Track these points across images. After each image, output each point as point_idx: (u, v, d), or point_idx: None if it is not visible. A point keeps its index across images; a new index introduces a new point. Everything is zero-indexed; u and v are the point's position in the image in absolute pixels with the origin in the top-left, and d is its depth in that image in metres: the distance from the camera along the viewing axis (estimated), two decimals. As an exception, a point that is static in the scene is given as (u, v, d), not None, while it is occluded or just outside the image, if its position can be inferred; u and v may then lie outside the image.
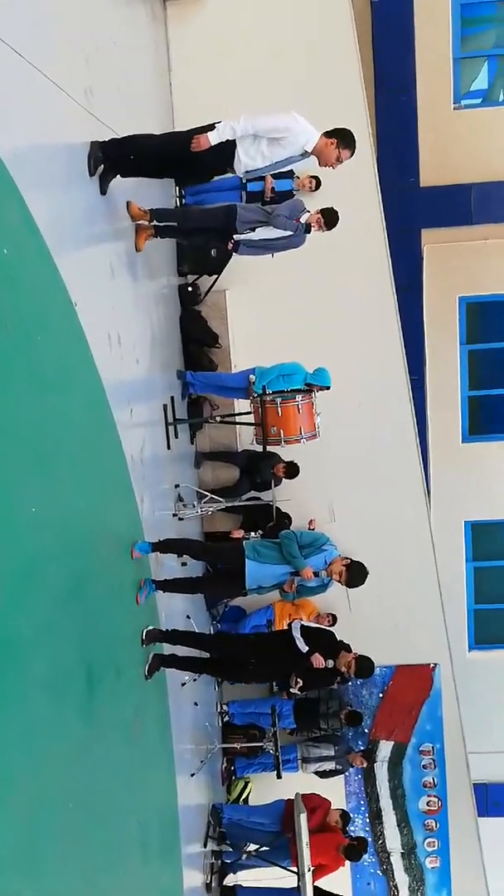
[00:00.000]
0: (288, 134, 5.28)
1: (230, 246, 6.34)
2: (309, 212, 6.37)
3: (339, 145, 5.34)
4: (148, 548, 5.60)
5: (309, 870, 6.83)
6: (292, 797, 7.41)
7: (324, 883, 7.28)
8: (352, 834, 7.70)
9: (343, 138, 5.35)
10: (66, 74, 4.73)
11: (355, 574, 5.61)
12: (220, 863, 7.62)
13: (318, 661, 5.76)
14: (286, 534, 5.79)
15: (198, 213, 7.01)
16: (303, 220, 6.31)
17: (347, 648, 6.02)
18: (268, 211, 6.33)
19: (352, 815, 7.85)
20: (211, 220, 6.38)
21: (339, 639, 6.18)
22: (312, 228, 6.36)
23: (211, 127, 5.30)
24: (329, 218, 6.37)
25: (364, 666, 5.83)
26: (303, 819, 6.89)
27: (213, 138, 5.23)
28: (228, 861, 7.64)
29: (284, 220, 6.20)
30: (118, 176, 5.42)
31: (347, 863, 7.81)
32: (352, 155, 5.46)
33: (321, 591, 5.88)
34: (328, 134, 5.35)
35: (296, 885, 6.97)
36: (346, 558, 5.88)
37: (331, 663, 5.84)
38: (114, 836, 4.74)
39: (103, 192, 5.36)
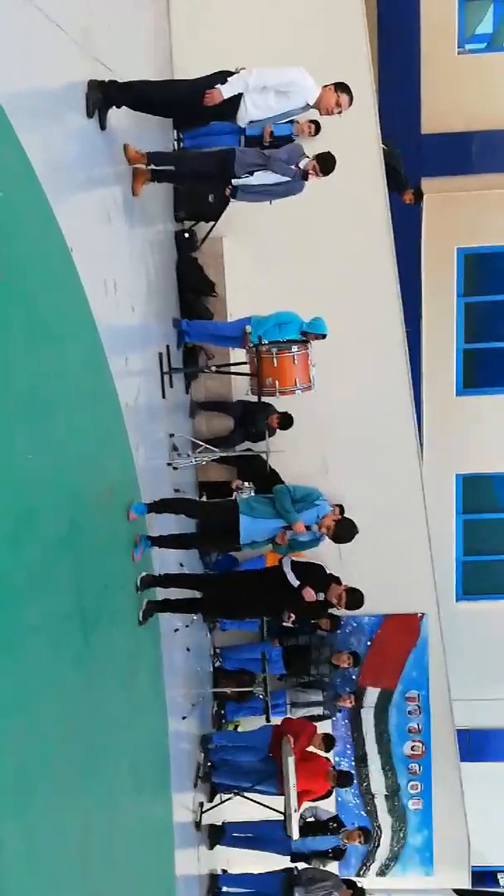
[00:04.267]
0: (296, 87, 5.51)
1: (228, 192, 6.28)
2: (308, 157, 6.28)
3: (337, 89, 5.55)
4: (144, 509, 5.64)
5: (295, 810, 7.02)
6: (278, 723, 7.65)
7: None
8: (338, 769, 7.90)
9: (342, 85, 5.58)
10: (64, 12, 4.59)
11: (343, 530, 5.67)
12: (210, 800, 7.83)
13: (308, 593, 5.86)
14: (280, 488, 5.83)
15: (196, 157, 6.89)
16: (301, 165, 6.23)
17: (338, 581, 6.09)
18: (266, 155, 6.24)
19: (336, 740, 8.03)
20: (209, 163, 6.30)
21: (328, 572, 6.27)
22: (310, 175, 6.29)
23: (220, 78, 5.33)
24: (325, 163, 6.28)
25: (354, 598, 5.89)
26: (290, 762, 7.06)
27: (226, 92, 5.36)
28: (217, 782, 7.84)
29: (283, 165, 6.14)
30: (115, 108, 5.33)
31: (333, 801, 8.07)
32: (350, 102, 5.64)
33: (313, 545, 5.94)
34: (326, 85, 5.57)
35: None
36: (338, 514, 5.93)
37: (321, 596, 5.93)
38: (105, 776, 4.84)
39: (102, 126, 5.27)
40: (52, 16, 4.34)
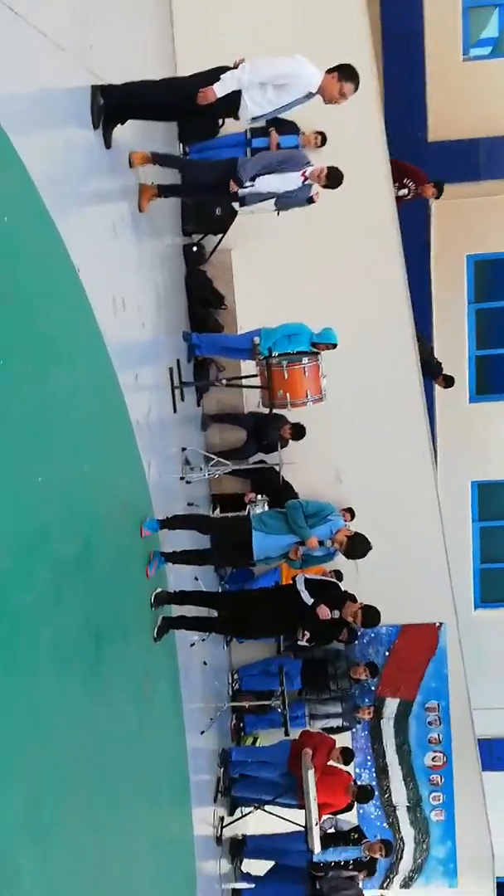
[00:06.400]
0: (294, 79, 5.22)
1: (233, 190, 6.17)
2: (312, 164, 6.26)
3: (340, 78, 5.24)
4: (156, 525, 5.63)
5: (316, 824, 6.97)
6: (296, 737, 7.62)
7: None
8: (358, 783, 7.85)
9: (345, 72, 5.26)
10: (64, 28, 4.61)
11: (356, 545, 5.63)
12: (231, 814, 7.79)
13: (323, 612, 5.81)
14: (292, 503, 5.81)
15: (201, 166, 6.90)
16: (307, 172, 6.23)
17: (353, 599, 6.04)
18: (269, 156, 6.26)
19: (355, 754, 7.98)
20: (214, 172, 6.28)
21: (343, 590, 6.23)
22: (313, 189, 6.27)
23: (216, 75, 5.20)
24: (332, 178, 6.26)
25: (370, 615, 5.87)
26: (310, 774, 7.02)
27: (219, 90, 5.15)
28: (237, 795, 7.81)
29: (289, 161, 6.10)
30: (120, 125, 5.32)
31: (355, 813, 8.03)
32: (356, 89, 5.34)
33: (327, 560, 5.91)
34: (330, 70, 5.26)
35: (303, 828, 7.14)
36: (349, 518, 5.89)
37: (336, 614, 5.88)
38: (125, 794, 4.83)
39: (108, 145, 5.27)
40: (51, 34, 4.36)
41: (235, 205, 6.47)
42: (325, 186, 6.35)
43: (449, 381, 9.53)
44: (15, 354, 3.51)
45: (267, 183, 6.19)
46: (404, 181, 9.03)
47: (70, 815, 3.81)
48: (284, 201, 6.50)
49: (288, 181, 6.28)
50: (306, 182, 6.33)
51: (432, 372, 9.46)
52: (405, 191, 9.07)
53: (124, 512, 5.31)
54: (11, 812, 3.13)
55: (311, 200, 6.60)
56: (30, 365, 3.69)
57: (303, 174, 6.26)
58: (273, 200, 6.45)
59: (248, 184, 6.14)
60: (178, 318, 7.48)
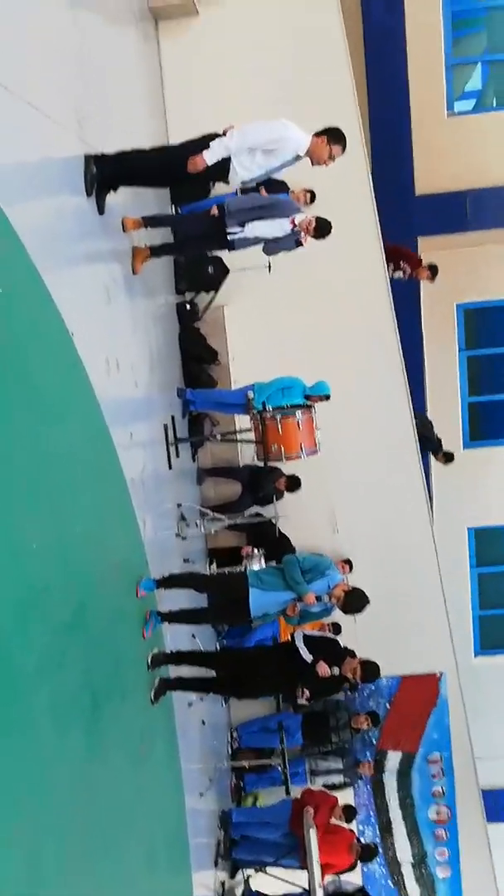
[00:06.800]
0: (282, 143, 5.37)
1: (212, 213, 6.25)
2: (303, 213, 6.35)
3: (329, 141, 5.42)
4: (152, 585, 5.61)
5: (320, 886, 6.83)
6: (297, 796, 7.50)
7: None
8: (362, 842, 7.70)
9: (333, 135, 5.43)
10: (57, 103, 4.74)
11: (353, 601, 5.62)
12: (232, 877, 7.63)
13: (323, 669, 5.79)
14: (289, 559, 5.80)
15: (189, 219, 6.99)
16: (297, 220, 6.32)
17: (352, 654, 6.04)
18: (258, 197, 6.37)
19: (357, 811, 7.85)
20: (202, 222, 6.37)
21: (342, 645, 6.19)
22: (301, 234, 6.36)
23: (205, 143, 5.32)
24: (320, 228, 6.37)
25: (370, 670, 5.87)
26: (312, 834, 6.89)
27: (209, 158, 5.27)
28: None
29: (276, 207, 6.20)
30: (112, 191, 5.43)
31: (359, 872, 7.84)
32: (343, 150, 5.51)
33: (325, 615, 5.88)
34: (318, 133, 5.43)
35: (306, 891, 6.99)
36: (347, 570, 5.86)
37: (336, 670, 5.86)
38: (122, 857, 4.75)
39: (101, 211, 5.37)
40: (48, 110, 4.48)
41: (225, 254, 6.50)
42: (313, 237, 6.45)
43: (449, 458, 9.62)
44: (10, 417, 3.55)
45: (256, 228, 6.28)
46: (400, 264, 9.29)
47: (68, 877, 3.75)
48: (273, 246, 6.57)
49: (276, 227, 6.38)
50: (295, 229, 6.42)
51: (433, 448, 9.58)
52: (400, 273, 9.34)
53: (120, 572, 5.30)
54: (12, 874, 3.09)
55: (299, 243, 6.65)
56: (24, 428, 3.73)
57: (291, 221, 6.35)
58: (262, 246, 6.52)
59: (237, 229, 6.23)
60: (172, 374, 7.54)
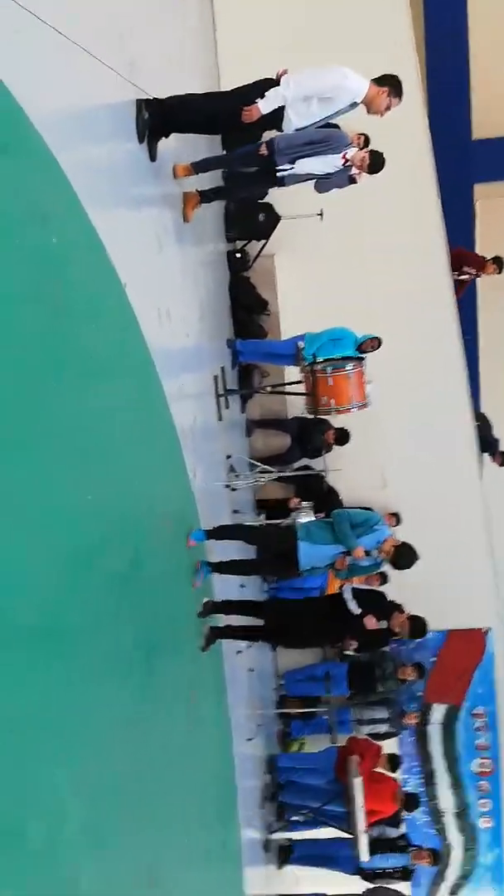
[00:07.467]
0: (339, 91, 5.24)
1: (262, 152, 6.04)
2: (355, 147, 6.15)
3: (390, 93, 5.29)
4: (202, 536, 5.64)
5: (364, 832, 6.95)
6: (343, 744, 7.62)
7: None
8: (405, 791, 7.81)
9: (395, 86, 5.30)
10: (108, 45, 4.63)
11: (403, 556, 5.58)
12: (278, 819, 7.81)
13: (371, 622, 5.84)
14: (339, 513, 5.77)
15: (238, 155, 6.82)
16: (349, 155, 6.12)
17: (400, 609, 6.08)
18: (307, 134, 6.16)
19: (402, 760, 7.95)
20: (252, 160, 6.19)
21: (390, 599, 6.21)
22: (354, 169, 6.16)
23: (259, 90, 5.19)
24: (374, 162, 6.15)
25: (417, 626, 5.92)
26: (358, 781, 7.00)
27: (264, 108, 5.17)
28: (287, 819, 7.81)
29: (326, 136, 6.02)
30: (164, 138, 5.33)
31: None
32: (400, 102, 5.39)
33: (373, 570, 5.87)
34: (378, 82, 5.27)
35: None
36: (395, 523, 5.83)
37: (384, 624, 5.89)
38: (173, 802, 4.87)
39: (153, 158, 5.28)
40: (100, 54, 4.38)
41: (277, 198, 6.20)
42: (367, 172, 6.24)
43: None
44: (66, 370, 3.55)
45: (306, 165, 6.11)
46: (463, 269, 9.05)
47: (124, 818, 3.86)
48: (325, 183, 6.40)
49: (328, 163, 6.19)
50: (346, 164, 6.23)
51: (491, 449, 9.40)
52: (466, 276, 9.11)
53: (171, 522, 5.33)
54: (75, 816, 3.19)
55: (352, 180, 6.44)
56: (79, 380, 3.73)
57: (343, 157, 6.16)
58: (313, 183, 6.35)
59: (287, 166, 6.07)
60: (222, 324, 7.49)
